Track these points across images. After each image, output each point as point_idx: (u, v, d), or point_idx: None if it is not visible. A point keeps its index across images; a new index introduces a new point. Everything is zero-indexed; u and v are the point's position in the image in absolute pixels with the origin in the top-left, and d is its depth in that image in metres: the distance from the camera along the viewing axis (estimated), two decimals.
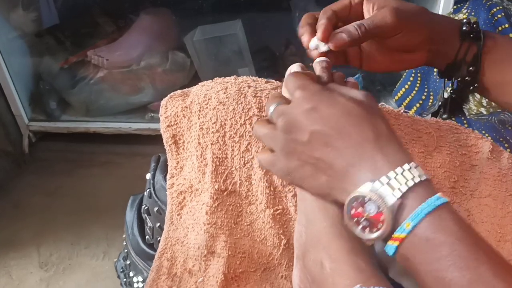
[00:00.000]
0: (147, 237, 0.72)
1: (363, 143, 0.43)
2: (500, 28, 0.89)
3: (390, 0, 0.56)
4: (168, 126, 0.58)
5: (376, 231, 0.41)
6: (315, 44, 0.54)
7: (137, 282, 0.75)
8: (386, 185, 0.40)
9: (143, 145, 1.57)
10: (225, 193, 0.55)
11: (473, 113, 0.99)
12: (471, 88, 0.59)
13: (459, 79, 0.60)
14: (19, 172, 1.59)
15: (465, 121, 0.91)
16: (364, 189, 0.41)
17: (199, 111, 0.56)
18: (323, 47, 0.53)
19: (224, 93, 0.56)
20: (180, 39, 1.55)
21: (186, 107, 0.58)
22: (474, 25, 0.57)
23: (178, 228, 0.58)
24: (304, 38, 0.55)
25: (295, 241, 0.51)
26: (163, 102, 0.59)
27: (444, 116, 0.66)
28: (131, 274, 0.80)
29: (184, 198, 0.58)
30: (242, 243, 0.56)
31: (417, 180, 0.40)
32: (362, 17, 0.56)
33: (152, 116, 1.60)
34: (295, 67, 0.52)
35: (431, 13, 0.58)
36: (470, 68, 0.58)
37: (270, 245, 0.55)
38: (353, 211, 0.42)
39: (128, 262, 0.79)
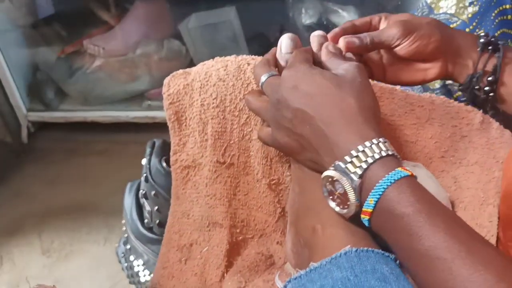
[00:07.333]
0: (146, 220, 0.74)
1: (333, 121, 0.45)
2: (500, 8, 0.89)
3: (404, 15, 0.58)
4: (170, 103, 0.60)
5: (347, 207, 0.44)
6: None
7: (138, 265, 0.76)
8: (348, 164, 0.42)
9: (141, 133, 1.58)
10: (223, 166, 0.58)
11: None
12: (489, 98, 0.60)
13: (479, 90, 0.60)
14: (18, 162, 1.60)
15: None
16: (331, 169, 0.43)
17: (200, 88, 0.58)
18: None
19: (224, 70, 0.58)
20: (175, 27, 1.55)
21: (188, 85, 0.59)
22: (492, 39, 0.59)
23: (184, 202, 0.60)
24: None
25: (289, 208, 0.54)
26: (165, 81, 0.60)
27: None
28: (131, 258, 0.82)
29: (188, 173, 0.60)
30: (240, 212, 0.58)
31: (377, 156, 0.42)
32: None
33: (149, 104, 1.61)
34: (286, 37, 0.54)
35: (445, 26, 0.60)
36: (489, 78, 0.59)
37: (266, 213, 0.58)
38: (328, 188, 0.45)
39: (128, 246, 0.81)
